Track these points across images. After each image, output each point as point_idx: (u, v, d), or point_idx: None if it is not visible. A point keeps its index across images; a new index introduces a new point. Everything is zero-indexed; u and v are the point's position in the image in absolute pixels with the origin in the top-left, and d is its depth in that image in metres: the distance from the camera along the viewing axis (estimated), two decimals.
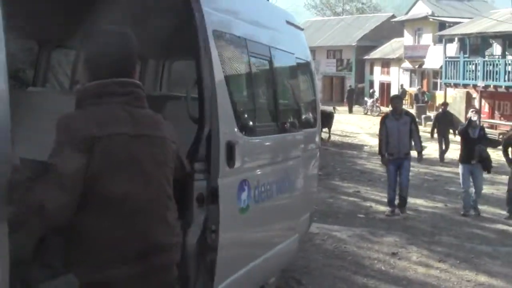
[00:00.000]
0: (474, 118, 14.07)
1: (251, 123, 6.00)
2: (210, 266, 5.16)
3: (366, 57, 64.66)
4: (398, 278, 8.94)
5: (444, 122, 23.08)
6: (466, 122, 14.55)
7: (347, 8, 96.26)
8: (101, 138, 3.24)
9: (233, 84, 5.60)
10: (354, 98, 57.14)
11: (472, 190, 13.96)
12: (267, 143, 6.40)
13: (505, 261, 10.12)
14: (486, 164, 13.83)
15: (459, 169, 14.24)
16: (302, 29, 8.64)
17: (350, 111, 53.59)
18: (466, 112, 38.17)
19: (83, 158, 3.19)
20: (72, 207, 3.21)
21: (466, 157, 13.93)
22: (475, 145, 13.68)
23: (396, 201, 13.69)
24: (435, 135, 23.77)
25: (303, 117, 7.88)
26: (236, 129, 5.47)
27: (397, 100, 14.48)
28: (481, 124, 14.91)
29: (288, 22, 7.88)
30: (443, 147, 23.36)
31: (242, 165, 5.51)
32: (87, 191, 3.23)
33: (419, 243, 10.85)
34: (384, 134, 13.66)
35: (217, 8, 5.49)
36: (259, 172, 6.02)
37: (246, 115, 5.94)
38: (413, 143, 13.79)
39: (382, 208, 14.08)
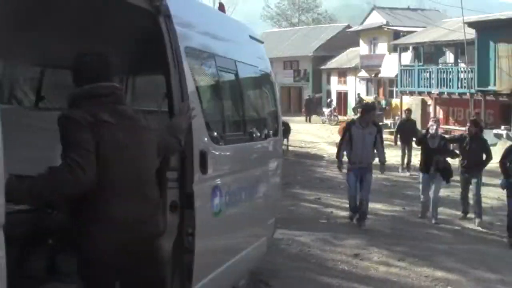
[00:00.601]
0: (433, 128, 14.07)
1: (221, 132, 6.40)
2: (187, 268, 5.54)
3: (322, 67, 65.25)
4: (361, 277, 9.36)
5: (407, 130, 22.64)
6: (425, 131, 14.66)
7: (303, 19, 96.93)
8: (95, 124, 4.13)
9: (203, 97, 6.01)
10: (312, 108, 57.72)
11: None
12: (236, 151, 6.80)
13: (460, 258, 10.67)
14: (445, 174, 13.91)
15: (419, 178, 14.52)
16: (262, 42, 9.06)
17: (309, 120, 54.14)
18: (422, 119, 39.16)
19: (89, 136, 4.10)
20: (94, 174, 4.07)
21: (425, 166, 14.03)
22: (434, 155, 13.76)
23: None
24: (399, 143, 23.39)
25: (267, 126, 8.28)
26: (207, 139, 5.88)
27: (372, 112, 14.07)
28: (440, 134, 14.81)
29: (251, 37, 8.30)
30: (406, 155, 23.00)
31: (214, 172, 5.92)
32: None
33: (379, 244, 11.27)
34: (346, 141, 13.31)
35: (188, 25, 5.90)
36: (229, 179, 6.42)
37: (216, 125, 6.33)
38: (376, 152, 13.47)
39: (343, 213, 14.46)
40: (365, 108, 14.16)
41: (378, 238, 11.85)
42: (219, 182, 6.10)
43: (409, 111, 25.38)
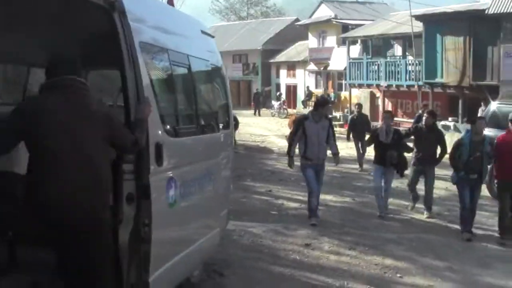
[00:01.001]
0: (385, 125, 13.92)
1: (175, 125, 6.55)
2: (144, 257, 5.68)
3: (272, 60, 65.35)
4: (312, 265, 9.58)
5: (360, 125, 22.09)
6: (377, 127, 14.52)
7: (252, 13, 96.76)
8: (35, 111, 4.97)
9: (158, 91, 6.15)
10: (260, 101, 57.94)
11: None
12: (189, 144, 6.95)
13: (408, 246, 10.95)
14: (398, 167, 13.85)
15: (373, 170, 14.52)
16: (213, 37, 9.20)
17: (257, 114, 54.32)
18: (371, 111, 39.69)
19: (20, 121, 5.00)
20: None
21: (379, 160, 13.86)
22: (387, 150, 13.51)
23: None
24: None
25: (219, 119, 8.43)
26: (162, 132, 6.03)
27: (327, 106, 13.72)
28: (393, 128, 14.26)
29: (202, 31, 8.45)
30: (360, 151, 22.02)
31: (169, 164, 6.07)
32: None
33: (330, 234, 11.49)
34: (299, 136, 12.81)
35: (142, 21, 6.03)
36: (183, 170, 6.57)
37: (170, 119, 6.49)
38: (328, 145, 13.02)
39: (294, 205, 14.72)
40: (320, 102, 13.56)
41: (329, 229, 12.04)
42: (173, 174, 6.25)
43: (359, 106, 24.47)
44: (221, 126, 8.41)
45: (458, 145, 12.37)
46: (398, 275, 9.38)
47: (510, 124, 12.02)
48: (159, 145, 5.83)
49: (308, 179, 12.90)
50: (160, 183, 5.93)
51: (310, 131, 12.64)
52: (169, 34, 6.93)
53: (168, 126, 6.24)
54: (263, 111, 55.68)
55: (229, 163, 8.98)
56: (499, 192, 12.52)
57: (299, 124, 12.98)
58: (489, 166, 12.82)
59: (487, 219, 12.68)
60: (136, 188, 5.62)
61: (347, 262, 9.86)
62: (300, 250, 10.47)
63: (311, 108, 17.97)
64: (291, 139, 13.21)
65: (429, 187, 13.96)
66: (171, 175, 6.18)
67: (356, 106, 24.68)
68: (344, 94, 49.51)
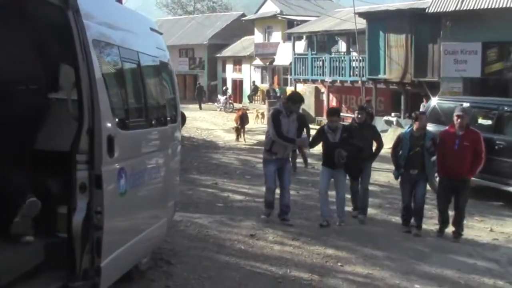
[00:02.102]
0: (332, 123, 12.57)
1: (126, 119, 6.85)
2: (97, 243, 6.00)
3: (218, 55, 65.75)
4: (257, 255, 9.91)
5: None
6: (322, 126, 13.31)
7: (198, 7, 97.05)
8: None
9: (110, 86, 6.43)
10: (203, 95, 58.30)
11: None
12: (139, 137, 7.27)
13: (349, 237, 11.34)
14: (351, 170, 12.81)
15: (320, 171, 13.07)
16: (162, 34, 9.50)
17: (200, 107, 54.50)
18: (315, 106, 40.30)
19: None
20: None
21: (326, 160, 12.58)
22: (335, 149, 12.22)
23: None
24: None
25: (167, 113, 8.72)
26: (114, 125, 6.33)
27: (299, 104, 12.88)
28: (340, 125, 12.87)
29: (151, 29, 8.76)
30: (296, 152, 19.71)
31: (120, 155, 6.38)
32: None
33: (274, 226, 11.80)
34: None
35: (95, 19, 6.32)
36: (133, 162, 6.87)
37: (121, 112, 6.78)
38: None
39: (239, 197, 15.10)
40: (294, 99, 12.70)
41: (272, 220, 12.31)
42: (124, 165, 6.55)
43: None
44: (169, 120, 8.71)
45: (398, 141, 12.49)
46: (339, 264, 9.75)
47: (455, 119, 11.88)
48: (111, 137, 6.14)
49: (268, 173, 12.51)
50: (112, 174, 6.24)
51: (283, 126, 12.23)
52: (120, 31, 7.20)
53: (119, 120, 6.54)
54: (209, 105, 55.95)
55: (176, 156, 9.30)
56: (439, 188, 12.49)
57: (275, 116, 12.33)
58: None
59: (426, 211, 12.86)
60: (89, 177, 5.93)
61: (290, 252, 10.21)
62: (245, 240, 10.79)
63: (257, 103, 17.81)
64: (279, 131, 12.18)
65: (365, 187, 13.26)
66: (121, 166, 6.48)
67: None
68: (289, 89, 49.94)
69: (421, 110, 20.45)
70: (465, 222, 12.40)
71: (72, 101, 6.32)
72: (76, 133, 6.02)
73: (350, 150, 12.34)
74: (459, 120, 11.84)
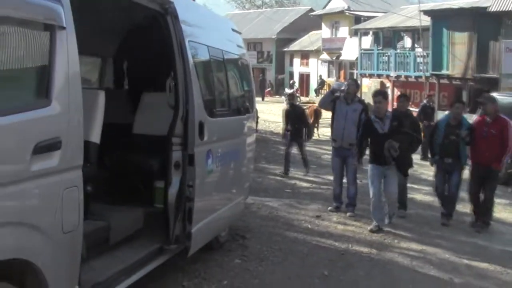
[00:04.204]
0: (376, 105, 11.38)
1: (213, 108, 8.02)
2: (189, 212, 7.19)
3: (285, 49, 66.50)
4: (322, 232, 10.99)
5: (294, 119, 18.34)
6: (368, 116, 11.89)
7: (267, 1, 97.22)
8: None
9: (201, 80, 7.62)
10: (266, 87, 59.61)
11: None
12: (223, 123, 8.44)
13: (408, 220, 12.24)
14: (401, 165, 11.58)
15: (368, 170, 11.70)
16: (240, 33, 10.68)
17: (263, 99, 55.18)
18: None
19: None
20: None
21: (376, 157, 11.34)
22: (385, 141, 10.99)
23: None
24: None
25: (245, 104, 9.91)
26: (204, 113, 7.51)
27: (353, 87, 12.76)
28: (389, 113, 11.62)
29: (233, 30, 9.99)
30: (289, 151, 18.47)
31: (208, 139, 7.56)
32: None
33: (339, 210, 12.75)
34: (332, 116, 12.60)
35: (189, 23, 7.49)
36: (218, 145, 8.07)
37: (210, 103, 7.95)
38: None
39: (305, 184, 16.04)
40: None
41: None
42: (211, 147, 7.74)
43: (290, 96, 20.90)
44: (246, 110, 9.87)
45: (434, 129, 12.54)
46: (396, 240, 10.72)
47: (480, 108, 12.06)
48: (202, 123, 7.33)
49: (333, 165, 12.93)
50: (201, 154, 7.43)
51: (338, 111, 12.43)
52: (208, 32, 8.40)
53: (208, 109, 7.71)
54: (277, 98, 56.79)
55: (252, 143, 10.46)
56: (470, 174, 12.23)
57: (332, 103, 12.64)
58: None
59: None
60: (182, 157, 7.12)
61: (352, 231, 11.23)
62: (311, 220, 11.84)
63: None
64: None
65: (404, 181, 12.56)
66: (209, 148, 7.67)
67: (286, 96, 20.36)
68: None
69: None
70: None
71: (169, 93, 7.55)
72: (172, 120, 7.21)
73: (402, 141, 11.04)
74: (482, 106, 12.09)
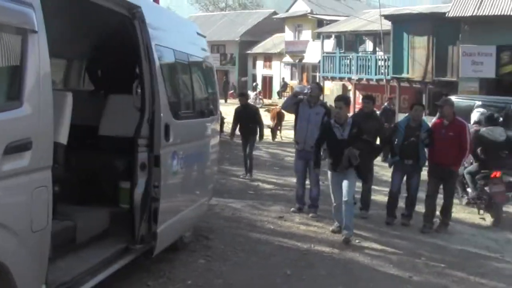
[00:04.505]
0: (337, 110, 11.13)
1: (178, 110, 8.17)
2: (154, 212, 7.34)
3: (249, 51, 66.68)
4: (284, 233, 11.17)
5: (246, 120, 17.81)
6: (327, 120, 11.78)
7: (230, 3, 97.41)
8: None
9: (166, 83, 7.77)
10: (228, 89, 59.95)
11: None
12: (188, 126, 8.59)
13: (369, 220, 12.43)
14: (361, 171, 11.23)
15: (328, 177, 11.53)
16: (205, 37, 10.82)
17: (225, 101, 54.99)
18: None
19: None
20: None
21: (335, 164, 10.99)
22: (344, 148, 10.70)
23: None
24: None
25: (209, 106, 10.08)
26: (169, 115, 7.65)
27: (316, 90, 12.87)
28: (350, 118, 11.32)
29: (197, 33, 10.13)
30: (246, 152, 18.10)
31: (173, 140, 7.71)
32: None
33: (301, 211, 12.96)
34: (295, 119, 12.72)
35: (156, 27, 7.63)
36: (183, 146, 8.21)
37: (175, 105, 8.09)
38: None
39: (268, 186, 16.22)
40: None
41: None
42: (176, 148, 7.90)
43: (241, 95, 19.76)
44: (210, 112, 10.04)
45: (394, 130, 12.64)
46: (357, 240, 10.92)
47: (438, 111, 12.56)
48: (167, 125, 7.48)
49: (295, 167, 13.15)
50: (167, 155, 7.59)
51: (301, 114, 12.57)
52: (174, 36, 8.55)
53: (173, 111, 7.85)
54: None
55: (216, 145, 10.61)
56: (429, 175, 12.31)
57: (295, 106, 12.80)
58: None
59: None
60: (148, 158, 7.25)
61: (314, 231, 11.40)
62: (274, 221, 12.00)
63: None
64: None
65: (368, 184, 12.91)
66: (174, 149, 7.82)
67: (239, 95, 20.50)
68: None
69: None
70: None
71: (135, 95, 7.68)
72: (138, 122, 7.34)
73: (361, 148, 10.84)
74: (439, 109, 12.32)
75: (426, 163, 12.35)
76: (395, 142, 12.30)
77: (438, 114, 13.27)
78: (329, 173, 11.29)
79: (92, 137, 8.35)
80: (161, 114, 7.32)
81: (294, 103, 12.93)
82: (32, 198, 4.84)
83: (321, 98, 13.66)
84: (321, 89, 13.55)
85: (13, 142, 4.55)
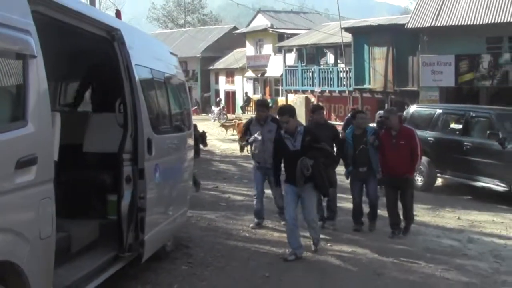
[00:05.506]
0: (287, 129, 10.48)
1: (158, 125, 8.69)
2: (141, 222, 7.83)
3: (211, 67, 67.41)
4: (260, 239, 11.74)
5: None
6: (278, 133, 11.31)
7: (189, 20, 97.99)
8: None
9: (147, 100, 8.27)
10: (192, 106, 59.36)
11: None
12: (168, 139, 9.16)
13: (338, 226, 12.96)
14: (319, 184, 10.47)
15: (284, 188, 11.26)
16: (177, 55, 11.35)
17: None
18: (306, 115, 42.00)
19: None
20: None
21: (290, 176, 10.48)
22: (298, 159, 10.19)
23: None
24: None
25: (184, 121, 10.63)
26: (151, 130, 8.16)
27: (262, 108, 12.70)
28: (301, 128, 10.68)
29: (170, 53, 10.68)
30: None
31: (155, 154, 8.20)
32: None
33: (273, 218, 13.40)
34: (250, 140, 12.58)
35: (135, 48, 8.13)
36: (164, 159, 8.73)
37: (155, 120, 8.61)
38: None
39: (239, 198, 16.70)
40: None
41: (272, 214, 13.69)
42: (158, 161, 8.40)
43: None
44: (185, 127, 10.60)
45: (343, 142, 12.65)
46: (329, 244, 11.48)
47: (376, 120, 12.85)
48: (150, 139, 7.99)
49: (255, 182, 12.92)
50: (150, 168, 8.09)
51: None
52: (151, 56, 9.10)
53: (154, 126, 8.36)
54: (203, 116, 57.35)
55: (191, 158, 11.13)
56: (385, 187, 12.65)
57: (245, 128, 13.08)
58: None
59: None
60: (132, 171, 7.74)
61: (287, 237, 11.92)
62: (249, 229, 12.51)
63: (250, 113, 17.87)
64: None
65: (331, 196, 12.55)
66: (156, 162, 8.32)
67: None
68: (281, 99, 51.48)
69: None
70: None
71: (118, 113, 8.17)
72: (122, 138, 7.84)
73: (315, 157, 10.28)
74: (385, 122, 12.46)
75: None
76: (347, 153, 12.47)
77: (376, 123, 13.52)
78: (284, 185, 10.88)
79: (78, 155, 8.84)
80: (144, 129, 7.83)
81: (246, 129, 13.10)
82: (39, 208, 5.31)
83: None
84: (267, 107, 13.31)
85: (22, 158, 5.02)
